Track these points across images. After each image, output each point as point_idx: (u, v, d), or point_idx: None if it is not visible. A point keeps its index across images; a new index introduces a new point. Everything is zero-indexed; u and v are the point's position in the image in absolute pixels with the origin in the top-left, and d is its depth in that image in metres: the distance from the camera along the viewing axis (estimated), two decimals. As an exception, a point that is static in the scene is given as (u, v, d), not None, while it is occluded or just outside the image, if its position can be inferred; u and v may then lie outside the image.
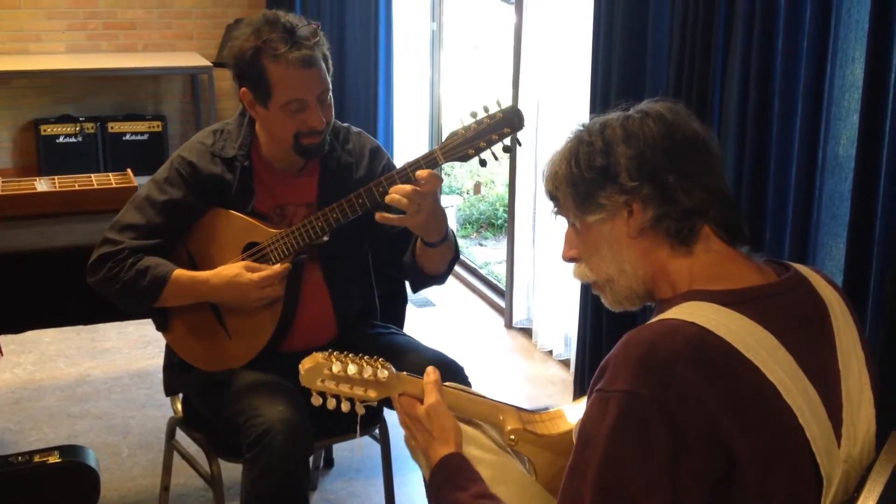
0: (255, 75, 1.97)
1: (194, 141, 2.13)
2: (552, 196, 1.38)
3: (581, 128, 1.35)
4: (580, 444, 1.19)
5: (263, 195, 2.10)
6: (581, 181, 1.31)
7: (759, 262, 1.32)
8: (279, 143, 2.06)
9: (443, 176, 1.96)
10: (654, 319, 1.23)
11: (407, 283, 2.31)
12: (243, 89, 2.01)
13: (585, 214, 1.32)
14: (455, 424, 1.44)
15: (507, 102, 1.91)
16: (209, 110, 5.57)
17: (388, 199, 1.90)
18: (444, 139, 1.92)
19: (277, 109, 1.99)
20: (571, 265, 1.41)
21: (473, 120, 1.90)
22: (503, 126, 1.88)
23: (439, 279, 2.15)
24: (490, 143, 1.89)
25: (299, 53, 1.94)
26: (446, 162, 1.91)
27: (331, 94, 2.04)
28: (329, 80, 2.02)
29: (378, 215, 1.93)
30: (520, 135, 1.93)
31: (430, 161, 1.91)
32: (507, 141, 1.91)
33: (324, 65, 1.99)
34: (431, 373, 1.49)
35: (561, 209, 1.37)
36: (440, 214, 1.96)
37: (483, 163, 1.92)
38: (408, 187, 1.88)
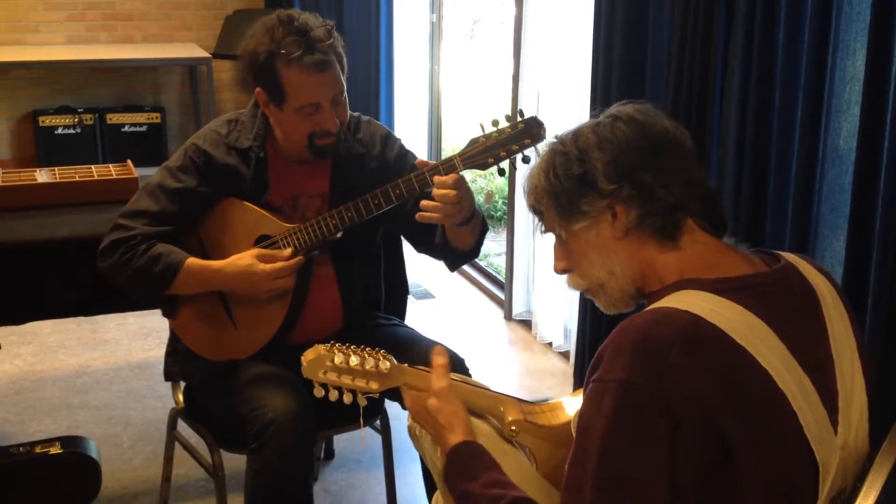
0: (269, 78, 1.96)
1: (208, 129, 2.12)
2: (535, 210, 1.40)
3: (555, 140, 1.37)
4: (580, 434, 1.21)
5: (277, 187, 2.10)
6: (561, 191, 1.33)
7: (746, 252, 1.33)
8: (293, 142, 2.06)
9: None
10: (647, 308, 1.24)
11: (407, 278, 2.31)
12: (258, 89, 2.01)
13: (570, 223, 1.34)
14: (462, 410, 1.46)
15: (526, 110, 1.90)
16: (208, 102, 5.56)
17: (420, 217, 1.91)
18: (464, 146, 1.92)
19: (292, 112, 1.98)
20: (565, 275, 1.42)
21: (494, 129, 1.89)
22: (524, 137, 1.87)
23: (471, 254, 2.14)
24: (510, 154, 1.88)
25: (313, 58, 1.93)
26: (465, 169, 1.91)
27: (345, 93, 2.03)
28: (344, 79, 2.01)
29: (419, 216, 1.92)
30: None
31: (449, 167, 1.91)
32: (528, 151, 1.90)
33: (338, 66, 1.98)
34: (440, 355, 1.51)
35: (545, 222, 1.39)
36: (469, 199, 1.95)
37: (502, 172, 1.92)
38: (437, 204, 1.88)
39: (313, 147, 2.03)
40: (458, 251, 2.11)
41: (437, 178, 1.89)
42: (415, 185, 1.93)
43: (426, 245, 2.18)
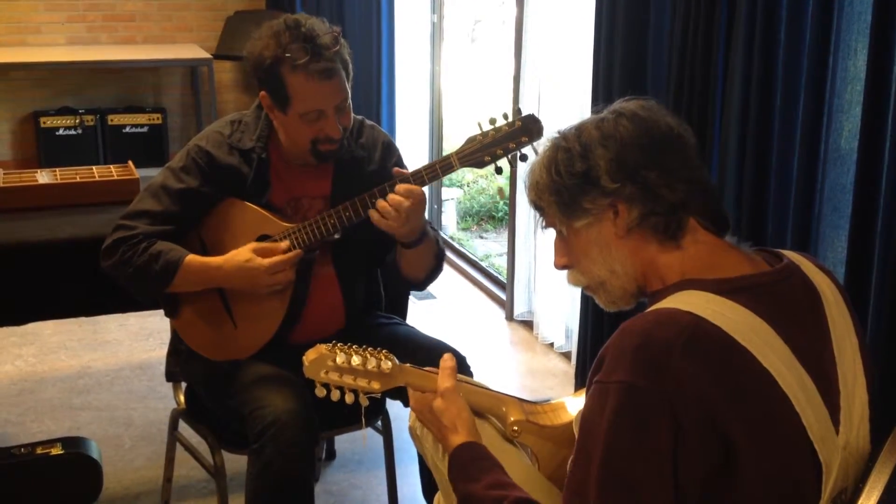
0: (274, 83, 1.97)
1: (211, 130, 2.13)
2: (536, 206, 1.39)
3: (557, 135, 1.36)
4: (582, 435, 1.20)
5: (279, 188, 2.11)
6: (564, 188, 1.32)
7: (748, 251, 1.33)
8: (296, 146, 2.06)
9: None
10: (649, 309, 1.24)
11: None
12: (262, 92, 2.01)
13: (572, 220, 1.33)
14: (465, 411, 1.46)
15: (526, 110, 1.91)
16: (209, 102, 5.57)
17: (373, 217, 1.94)
18: (461, 144, 1.93)
19: (296, 117, 1.99)
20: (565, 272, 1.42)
21: (492, 127, 1.90)
22: (521, 134, 1.88)
23: (416, 286, 2.18)
24: (507, 151, 1.89)
25: (319, 65, 1.93)
26: (462, 167, 1.92)
27: (350, 100, 2.04)
28: (349, 86, 2.01)
29: (371, 212, 1.95)
30: None
31: (446, 165, 1.92)
32: (526, 149, 1.90)
33: (344, 73, 1.99)
34: (449, 359, 1.51)
35: (546, 218, 1.38)
36: (414, 220, 1.97)
37: (499, 170, 1.93)
38: (389, 208, 1.92)
39: (316, 152, 2.04)
40: (403, 276, 2.12)
41: (397, 188, 1.92)
42: (411, 182, 1.94)
43: (381, 261, 2.20)
